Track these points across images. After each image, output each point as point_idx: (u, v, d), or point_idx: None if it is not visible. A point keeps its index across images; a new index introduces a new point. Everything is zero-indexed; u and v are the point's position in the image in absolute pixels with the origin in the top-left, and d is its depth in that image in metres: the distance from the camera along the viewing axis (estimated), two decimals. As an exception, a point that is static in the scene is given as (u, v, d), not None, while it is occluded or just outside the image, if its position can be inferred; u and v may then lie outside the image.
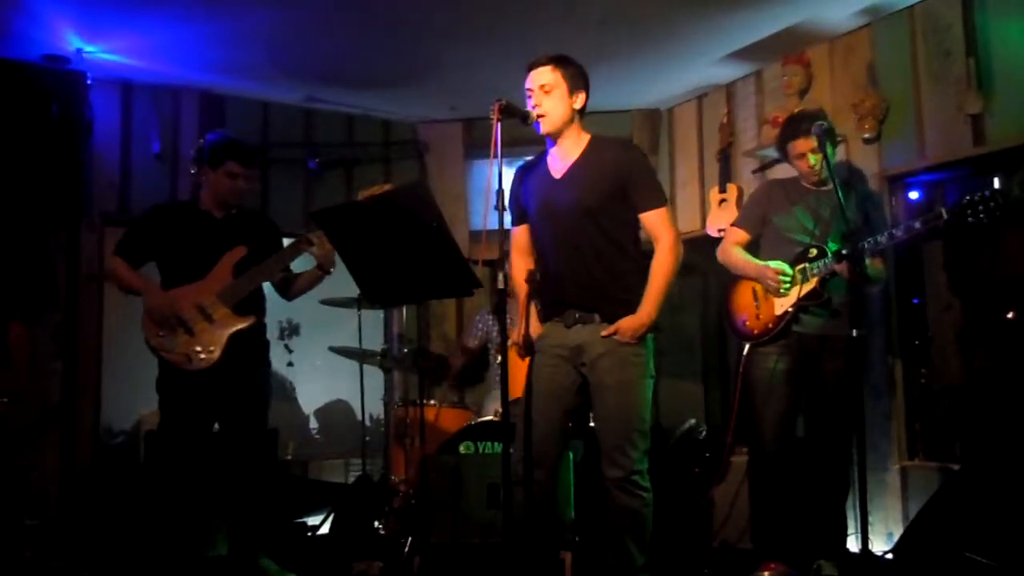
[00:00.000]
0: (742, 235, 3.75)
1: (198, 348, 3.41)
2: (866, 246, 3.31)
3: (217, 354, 3.42)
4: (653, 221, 3.00)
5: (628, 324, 2.92)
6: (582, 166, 3.01)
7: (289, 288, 3.76)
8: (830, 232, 3.52)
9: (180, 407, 3.47)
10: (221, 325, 3.45)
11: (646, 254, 3.05)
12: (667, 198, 3.06)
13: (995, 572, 2.90)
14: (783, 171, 4.20)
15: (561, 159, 3.04)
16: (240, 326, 3.49)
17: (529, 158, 3.19)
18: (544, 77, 2.95)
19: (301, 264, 3.71)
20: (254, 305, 3.59)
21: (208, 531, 3.72)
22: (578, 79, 3.00)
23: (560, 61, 2.98)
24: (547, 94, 2.95)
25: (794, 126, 3.61)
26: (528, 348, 3.05)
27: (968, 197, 3.17)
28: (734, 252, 3.73)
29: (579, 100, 3.00)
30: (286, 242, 3.66)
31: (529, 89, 2.98)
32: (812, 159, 3.53)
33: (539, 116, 2.95)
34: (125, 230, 3.73)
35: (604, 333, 2.94)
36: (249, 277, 3.52)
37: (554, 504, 3.09)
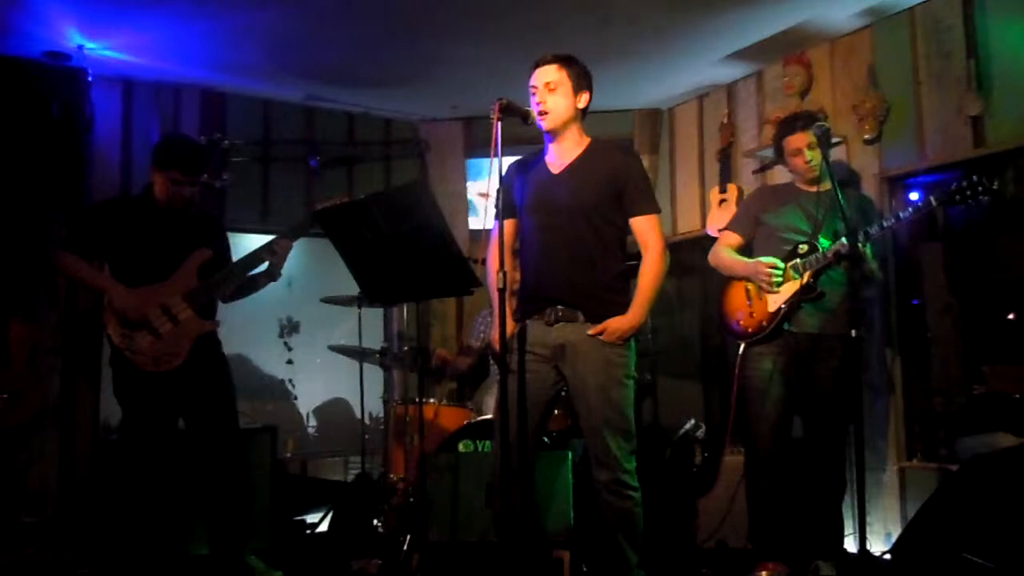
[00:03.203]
0: (735, 238, 3.77)
1: (165, 350, 3.36)
2: (861, 238, 3.32)
3: (183, 356, 3.39)
4: (643, 227, 3.02)
5: (617, 324, 2.92)
6: (581, 165, 3.03)
7: (241, 293, 3.69)
8: (822, 231, 3.53)
9: (145, 408, 3.40)
10: (187, 327, 3.42)
11: (631, 258, 3.06)
12: (659, 208, 3.08)
13: (993, 573, 2.90)
14: (783, 172, 4.20)
15: (560, 157, 3.06)
16: (206, 329, 3.47)
17: (520, 157, 3.20)
18: (550, 75, 2.98)
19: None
20: (212, 307, 3.57)
21: (186, 529, 3.68)
22: (583, 79, 3.03)
23: (566, 61, 3.01)
24: (552, 92, 2.97)
25: (790, 123, 3.67)
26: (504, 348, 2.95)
27: (955, 184, 3.26)
28: (724, 253, 3.75)
29: (583, 100, 3.03)
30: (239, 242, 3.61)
31: (534, 86, 3.00)
32: (808, 154, 3.56)
33: (542, 113, 2.97)
34: (68, 223, 3.64)
35: (591, 332, 2.93)
36: (219, 279, 3.50)
37: (534, 509, 3.08)
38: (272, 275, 3.60)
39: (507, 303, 2.90)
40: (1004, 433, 3.70)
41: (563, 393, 3.10)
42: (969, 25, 3.89)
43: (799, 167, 3.63)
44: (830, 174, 3.23)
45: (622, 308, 2.96)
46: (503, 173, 2.95)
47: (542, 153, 3.13)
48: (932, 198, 3.31)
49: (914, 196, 4.23)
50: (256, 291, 3.70)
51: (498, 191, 2.88)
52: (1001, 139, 3.76)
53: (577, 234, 2.97)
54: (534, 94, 3.00)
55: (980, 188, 3.22)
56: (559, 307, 2.99)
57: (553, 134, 3.04)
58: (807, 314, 3.52)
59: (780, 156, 3.73)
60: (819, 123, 3.32)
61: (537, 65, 3.02)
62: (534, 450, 3.06)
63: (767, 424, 3.54)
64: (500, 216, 2.96)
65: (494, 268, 2.95)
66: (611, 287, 3.00)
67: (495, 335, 2.88)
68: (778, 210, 3.66)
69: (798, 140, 3.58)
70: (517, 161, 3.19)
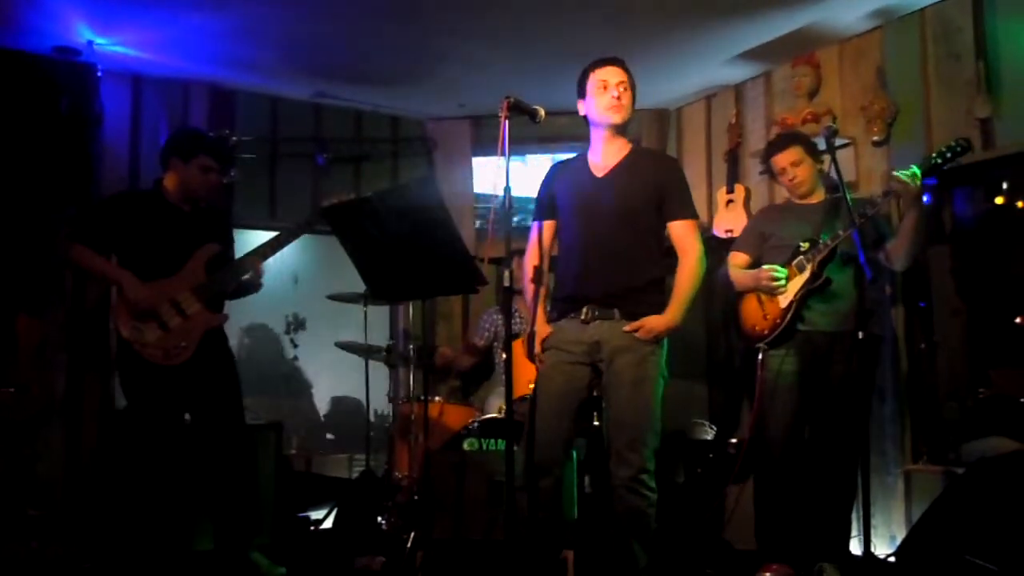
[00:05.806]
0: (743, 258, 3.80)
1: (174, 343, 3.38)
2: (858, 219, 3.29)
3: (192, 349, 3.41)
4: (681, 232, 3.06)
5: (654, 323, 2.96)
6: (625, 169, 3.08)
7: (240, 293, 3.72)
8: (824, 229, 3.55)
9: (153, 401, 3.42)
10: (195, 321, 3.44)
11: (668, 262, 3.10)
12: (698, 214, 3.12)
13: (997, 576, 2.89)
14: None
15: (603, 160, 3.11)
16: (214, 323, 3.49)
17: (561, 159, 3.27)
18: (621, 76, 3.06)
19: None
20: (220, 300, 3.58)
21: (191, 525, 3.68)
22: (636, 89, 3.12)
23: (626, 66, 3.10)
24: (626, 91, 3.06)
25: (773, 143, 3.81)
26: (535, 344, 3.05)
27: (935, 151, 3.38)
28: (734, 272, 3.80)
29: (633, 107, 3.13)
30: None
31: (605, 81, 3.04)
32: (791, 172, 3.66)
33: (620, 107, 3.03)
34: (79, 215, 3.65)
35: (627, 328, 2.96)
36: (226, 274, 3.52)
37: (559, 508, 3.10)
38: (252, 286, 3.65)
39: (540, 304, 3.01)
40: (1010, 439, 3.69)
41: (594, 394, 3.13)
42: (979, 27, 3.88)
43: (786, 185, 3.74)
44: (837, 172, 3.22)
45: (657, 309, 2.99)
46: (545, 174, 3.14)
47: (581, 156, 3.17)
48: (915, 167, 3.34)
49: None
50: (250, 294, 3.73)
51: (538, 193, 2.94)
52: (1010, 141, 3.75)
53: (619, 236, 3.02)
54: (606, 88, 3.03)
55: (959, 148, 3.31)
56: (596, 305, 3.02)
57: (616, 130, 3.08)
58: (820, 312, 3.52)
59: (772, 176, 3.88)
60: (828, 125, 3.36)
61: (608, 63, 3.07)
62: (565, 450, 3.07)
63: (778, 425, 3.54)
64: (537, 217, 3.12)
65: (529, 268, 3.06)
66: (647, 289, 3.04)
67: (530, 325, 2.99)
68: (782, 223, 3.72)
69: (782, 159, 3.69)
70: (559, 163, 3.26)
